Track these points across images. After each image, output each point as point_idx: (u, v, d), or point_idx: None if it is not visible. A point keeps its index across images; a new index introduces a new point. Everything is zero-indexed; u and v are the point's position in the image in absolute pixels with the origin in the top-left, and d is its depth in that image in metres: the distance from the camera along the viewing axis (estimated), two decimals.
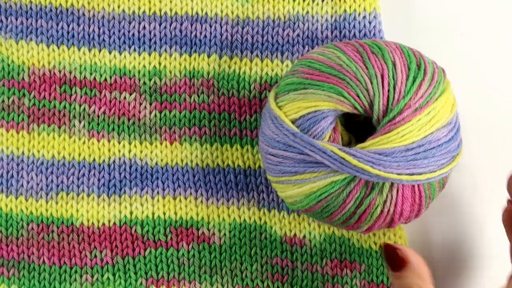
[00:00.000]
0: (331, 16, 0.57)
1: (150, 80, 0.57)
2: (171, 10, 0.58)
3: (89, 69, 0.57)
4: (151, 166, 0.57)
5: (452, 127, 0.47)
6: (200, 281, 0.56)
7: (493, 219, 0.57)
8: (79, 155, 0.57)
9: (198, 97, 0.57)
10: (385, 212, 0.47)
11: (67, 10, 0.57)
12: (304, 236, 0.56)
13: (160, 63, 0.58)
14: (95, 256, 0.57)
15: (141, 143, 0.57)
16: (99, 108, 0.57)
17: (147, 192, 0.57)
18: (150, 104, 0.57)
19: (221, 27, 0.57)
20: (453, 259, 0.57)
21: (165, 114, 0.57)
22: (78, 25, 0.57)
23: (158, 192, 0.57)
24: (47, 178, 0.57)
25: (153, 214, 0.57)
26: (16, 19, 0.57)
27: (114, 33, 0.58)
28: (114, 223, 0.57)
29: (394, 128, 0.45)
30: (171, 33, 0.58)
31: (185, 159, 0.57)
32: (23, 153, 0.57)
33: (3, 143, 0.57)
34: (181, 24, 0.58)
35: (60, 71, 0.57)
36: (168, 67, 0.57)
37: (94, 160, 0.57)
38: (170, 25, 0.58)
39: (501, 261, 0.57)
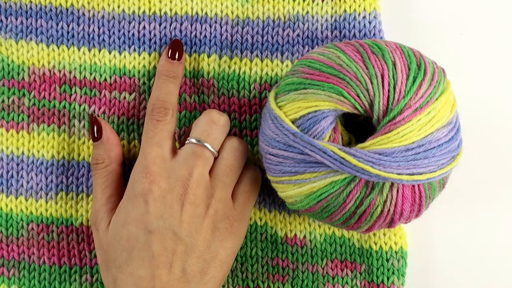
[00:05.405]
0: (331, 16, 0.57)
1: (150, 80, 0.57)
2: (171, 10, 0.58)
3: (89, 69, 0.57)
4: None
5: (452, 127, 0.47)
6: None
7: (493, 218, 0.57)
8: (79, 155, 0.57)
9: (198, 97, 0.57)
10: (385, 212, 0.47)
11: (67, 10, 0.57)
12: (305, 237, 0.56)
13: None
14: (95, 256, 0.57)
15: (140, 143, 0.57)
16: (99, 108, 0.57)
17: None
18: None
19: (221, 27, 0.57)
20: (454, 259, 0.57)
21: None
22: (78, 25, 0.57)
23: None
24: (47, 178, 0.57)
25: None
26: (16, 19, 0.57)
27: (114, 33, 0.57)
28: None
29: (394, 128, 0.45)
30: (171, 33, 0.58)
31: None
32: (23, 153, 0.57)
33: (3, 143, 0.57)
34: (181, 24, 0.58)
35: (60, 71, 0.57)
36: None
37: None
38: (170, 25, 0.58)
39: (502, 260, 0.57)
